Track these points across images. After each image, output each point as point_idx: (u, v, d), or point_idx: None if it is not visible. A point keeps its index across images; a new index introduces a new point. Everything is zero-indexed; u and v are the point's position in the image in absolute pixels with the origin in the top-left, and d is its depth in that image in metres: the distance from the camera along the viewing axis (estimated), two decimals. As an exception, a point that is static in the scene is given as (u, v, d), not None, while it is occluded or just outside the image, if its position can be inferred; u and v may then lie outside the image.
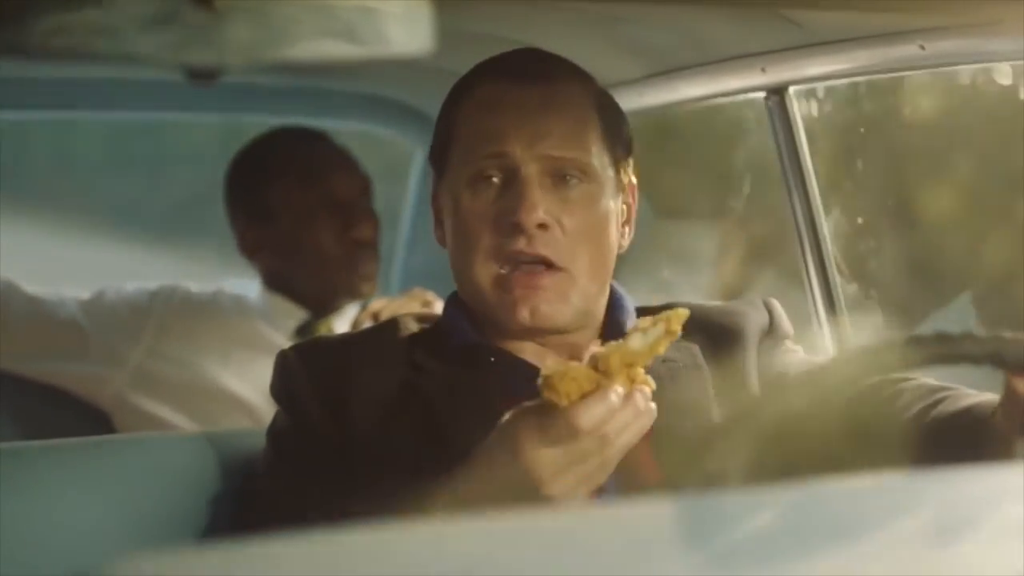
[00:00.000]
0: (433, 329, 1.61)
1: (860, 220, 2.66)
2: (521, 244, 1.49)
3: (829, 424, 1.53)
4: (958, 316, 2.41)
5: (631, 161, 1.60)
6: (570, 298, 1.51)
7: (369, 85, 2.67)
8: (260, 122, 2.61)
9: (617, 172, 1.56)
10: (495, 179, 1.52)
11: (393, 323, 1.62)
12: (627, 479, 1.51)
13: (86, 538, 1.60)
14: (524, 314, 1.50)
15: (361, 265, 2.36)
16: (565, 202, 1.51)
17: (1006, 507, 0.75)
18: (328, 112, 2.75)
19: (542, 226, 1.49)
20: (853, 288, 2.27)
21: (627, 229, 1.59)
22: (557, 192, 1.51)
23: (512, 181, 1.51)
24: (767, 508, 0.75)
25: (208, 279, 2.52)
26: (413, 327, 1.61)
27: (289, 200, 2.36)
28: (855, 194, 2.66)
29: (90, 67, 2.42)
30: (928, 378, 1.54)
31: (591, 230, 1.52)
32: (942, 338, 0.94)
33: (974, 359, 0.95)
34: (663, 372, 1.56)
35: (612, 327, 1.58)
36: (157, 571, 0.67)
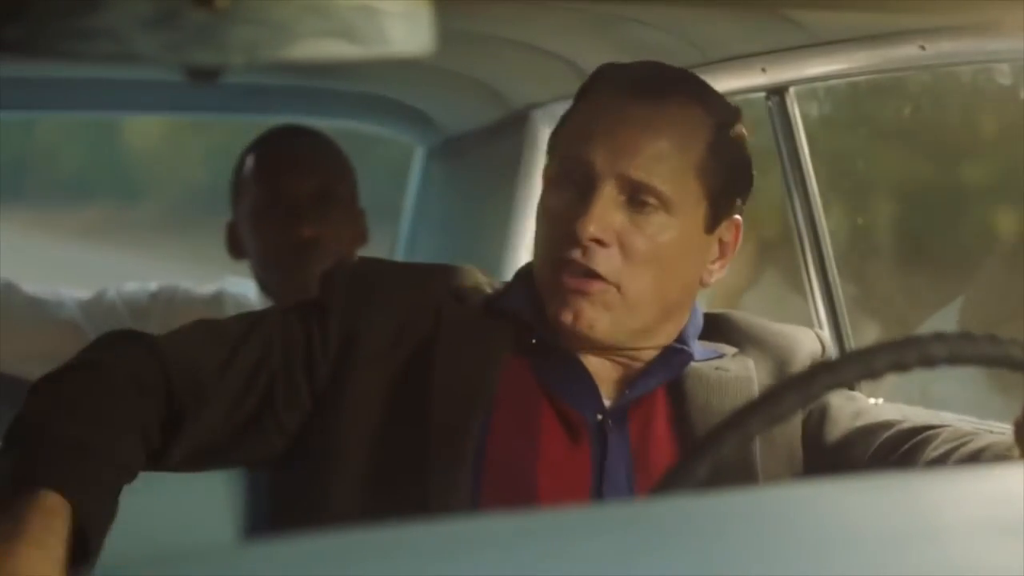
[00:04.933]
0: (493, 290, 1.60)
1: (860, 220, 2.65)
2: (576, 255, 1.47)
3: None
4: (957, 318, 2.41)
5: (740, 201, 1.55)
6: (615, 311, 1.49)
7: (369, 85, 2.67)
8: (260, 122, 2.61)
9: (713, 208, 1.52)
10: (575, 183, 1.50)
11: (460, 271, 1.61)
12: (649, 479, 1.51)
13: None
14: (568, 316, 1.49)
15: (307, 264, 2.28)
16: (635, 224, 1.48)
17: (1006, 507, 0.75)
18: (328, 112, 2.75)
19: (598, 241, 1.47)
20: (852, 288, 2.27)
21: (717, 266, 1.56)
22: (630, 212, 1.49)
23: (587, 190, 1.48)
24: (767, 508, 0.75)
25: (208, 279, 2.52)
26: (481, 281, 1.59)
27: (245, 199, 2.36)
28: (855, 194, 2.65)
29: (90, 67, 2.42)
30: (954, 425, 1.55)
31: (657, 258, 1.49)
32: (964, 338, 0.94)
33: (991, 360, 0.94)
34: (713, 378, 1.56)
35: (678, 339, 1.57)
36: (157, 571, 0.67)
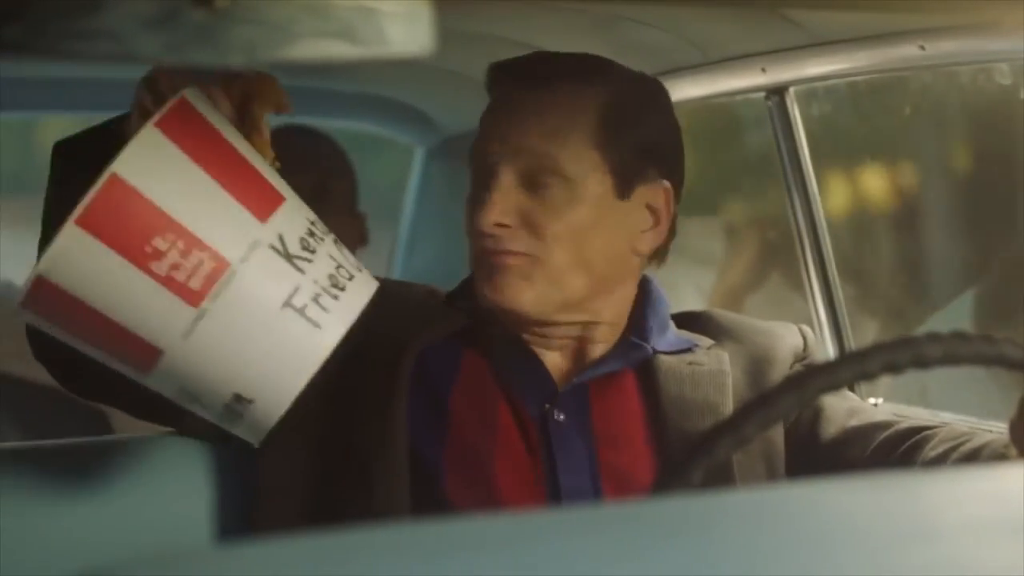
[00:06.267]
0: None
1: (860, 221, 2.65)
2: (488, 243, 1.53)
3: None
4: (956, 318, 2.41)
5: (658, 169, 1.57)
6: (536, 282, 1.52)
7: (369, 85, 2.67)
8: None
9: (619, 176, 1.55)
10: (478, 178, 1.55)
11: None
12: (619, 478, 1.52)
13: (86, 538, 1.60)
14: (489, 291, 1.53)
15: None
16: (536, 202, 1.52)
17: (1006, 507, 0.75)
18: (328, 112, 2.75)
19: (501, 226, 1.51)
20: (852, 288, 2.27)
21: (651, 234, 1.57)
22: (530, 193, 1.52)
23: (488, 181, 1.53)
24: (766, 508, 0.75)
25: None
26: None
27: None
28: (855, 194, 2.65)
29: (90, 67, 2.42)
30: (950, 424, 1.56)
31: (567, 230, 1.52)
32: (958, 337, 0.94)
33: (987, 360, 0.94)
34: (686, 372, 1.57)
35: (635, 326, 1.59)
36: (157, 572, 0.67)
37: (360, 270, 1.20)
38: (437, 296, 1.65)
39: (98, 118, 1.45)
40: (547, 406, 1.54)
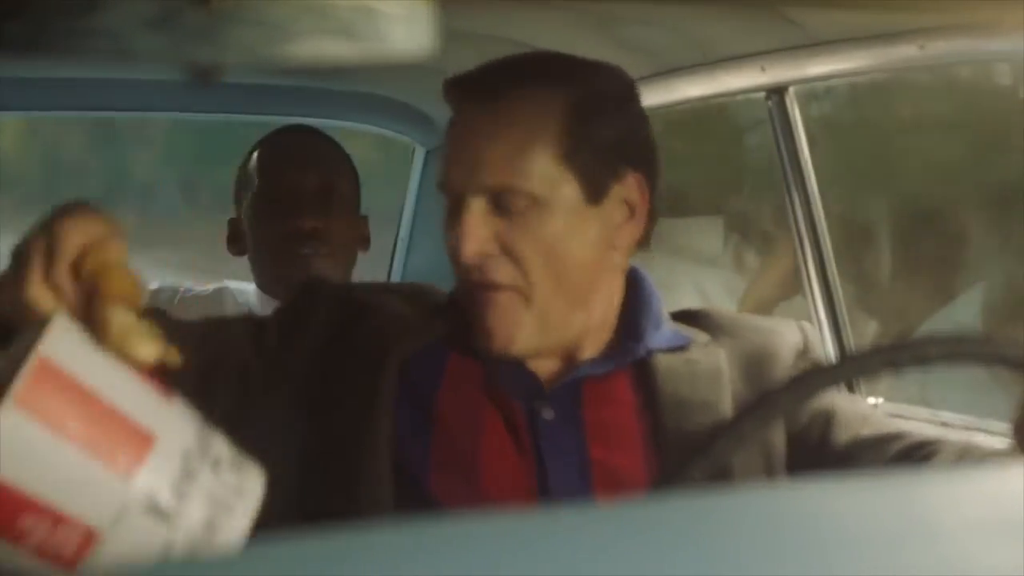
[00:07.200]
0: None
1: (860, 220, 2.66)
2: (475, 276, 1.49)
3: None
4: (957, 317, 2.41)
5: (631, 165, 1.53)
6: (523, 320, 1.50)
7: (369, 85, 2.67)
8: (260, 122, 2.61)
9: (588, 183, 1.50)
10: (448, 206, 1.52)
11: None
12: (611, 477, 1.52)
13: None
14: (481, 337, 1.52)
15: (303, 257, 2.26)
16: (513, 227, 1.49)
17: (1006, 507, 0.75)
18: (328, 112, 2.75)
19: (485, 255, 1.49)
20: (852, 288, 2.27)
21: (628, 228, 1.53)
22: (503, 218, 1.49)
23: (457, 212, 1.50)
24: (765, 507, 0.75)
25: (209, 279, 2.53)
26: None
27: (248, 192, 2.35)
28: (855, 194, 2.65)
29: (90, 67, 2.42)
30: (960, 433, 1.56)
31: (546, 252, 1.49)
32: (958, 338, 0.94)
33: (987, 360, 0.94)
34: (682, 371, 1.56)
35: (628, 327, 1.58)
36: (157, 572, 0.67)
37: (240, 494, 1.16)
38: (422, 297, 1.63)
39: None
40: (535, 404, 1.53)
